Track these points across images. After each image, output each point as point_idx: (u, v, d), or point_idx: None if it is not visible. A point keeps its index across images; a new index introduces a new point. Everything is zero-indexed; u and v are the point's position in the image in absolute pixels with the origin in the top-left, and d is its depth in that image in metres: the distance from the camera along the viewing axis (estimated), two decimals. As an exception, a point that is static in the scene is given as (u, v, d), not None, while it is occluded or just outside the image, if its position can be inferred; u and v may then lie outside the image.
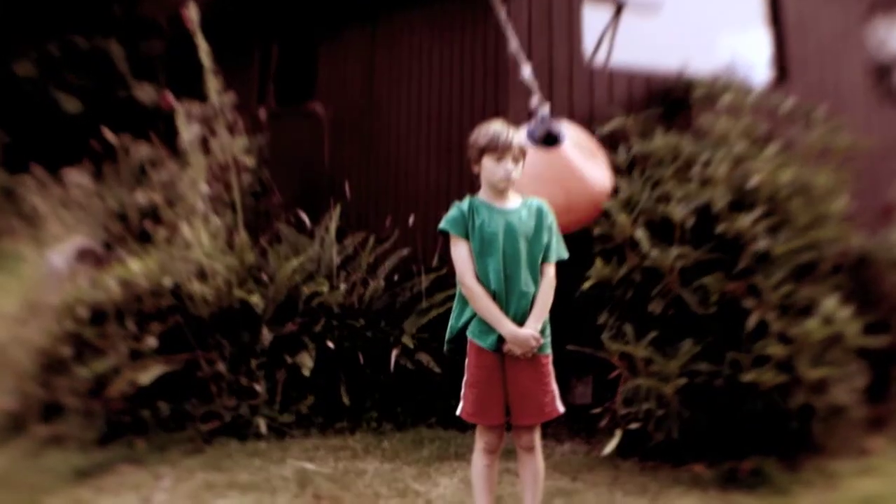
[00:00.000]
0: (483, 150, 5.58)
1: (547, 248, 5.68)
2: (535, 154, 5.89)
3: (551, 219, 5.75)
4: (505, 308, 5.54)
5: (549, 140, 6.29)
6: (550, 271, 5.69)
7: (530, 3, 9.14)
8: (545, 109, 5.99)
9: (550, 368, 5.71)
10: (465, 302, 5.68)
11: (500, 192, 5.65)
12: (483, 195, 5.68)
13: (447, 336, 5.84)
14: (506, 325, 5.48)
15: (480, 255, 5.57)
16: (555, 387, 5.71)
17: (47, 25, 20.80)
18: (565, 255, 5.78)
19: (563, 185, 6.05)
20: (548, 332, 5.69)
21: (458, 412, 5.76)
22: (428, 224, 9.51)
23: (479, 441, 5.78)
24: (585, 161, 6.45)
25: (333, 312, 8.83)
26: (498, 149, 5.54)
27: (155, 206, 10.03)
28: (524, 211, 5.68)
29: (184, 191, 9.65)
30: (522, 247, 5.58)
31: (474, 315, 5.62)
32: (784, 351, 7.09)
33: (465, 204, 5.64)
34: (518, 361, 5.58)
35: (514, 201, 5.70)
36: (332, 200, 10.08)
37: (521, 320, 5.55)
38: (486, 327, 5.56)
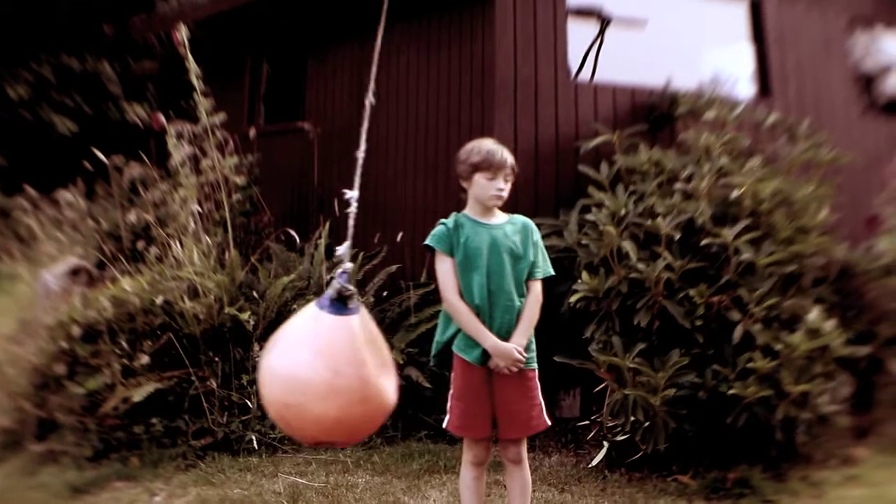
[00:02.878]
0: (476, 168, 5.64)
1: (533, 265, 5.73)
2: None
3: (537, 235, 5.81)
4: (489, 323, 5.59)
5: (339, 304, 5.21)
6: (537, 287, 5.75)
7: (515, 18, 9.23)
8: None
9: (537, 382, 5.75)
10: (449, 317, 5.74)
11: (488, 209, 5.71)
12: (469, 211, 5.74)
13: (433, 350, 5.92)
14: (488, 339, 5.54)
15: (465, 270, 5.63)
16: (541, 400, 5.76)
17: (39, 47, 20.83)
18: (551, 271, 5.83)
19: (330, 362, 5.01)
20: (533, 346, 5.72)
21: (444, 425, 5.83)
22: (416, 240, 9.56)
23: (467, 454, 5.83)
24: (372, 357, 5.11)
25: (323, 329, 8.87)
26: (492, 167, 5.61)
27: (147, 226, 10.06)
28: (509, 226, 5.74)
29: (175, 210, 9.69)
30: (507, 262, 5.64)
31: (459, 330, 5.68)
32: (769, 364, 7.16)
33: (450, 220, 5.71)
34: (505, 376, 5.62)
35: (499, 217, 5.76)
36: (322, 218, 10.14)
37: (505, 335, 5.59)
38: (472, 342, 5.61)
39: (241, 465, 7.93)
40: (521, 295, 5.68)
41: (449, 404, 5.79)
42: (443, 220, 5.73)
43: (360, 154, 5.72)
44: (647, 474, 7.58)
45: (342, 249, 5.21)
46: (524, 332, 5.62)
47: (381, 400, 4.95)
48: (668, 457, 7.48)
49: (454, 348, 5.72)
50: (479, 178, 5.64)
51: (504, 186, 5.66)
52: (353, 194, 5.48)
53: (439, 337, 5.85)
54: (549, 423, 5.88)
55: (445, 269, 5.65)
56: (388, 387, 4.99)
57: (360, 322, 5.09)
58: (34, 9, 20.77)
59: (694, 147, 8.67)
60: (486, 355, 5.60)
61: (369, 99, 5.93)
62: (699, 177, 8.13)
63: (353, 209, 5.46)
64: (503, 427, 5.74)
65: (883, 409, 8.39)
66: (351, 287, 5.02)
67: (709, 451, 7.50)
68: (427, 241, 5.72)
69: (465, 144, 5.82)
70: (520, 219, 5.82)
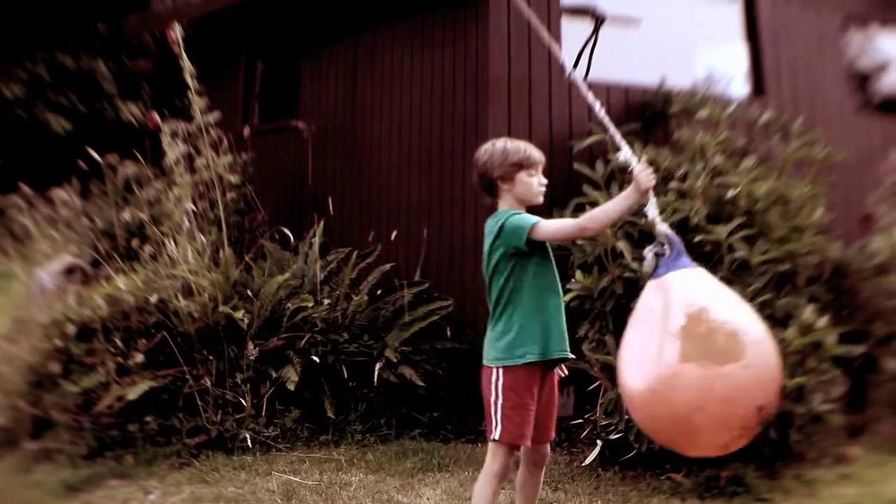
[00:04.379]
0: (520, 166, 5.53)
1: None
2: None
3: None
4: (553, 323, 5.49)
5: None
6: None
7: (509, 17, 9.23)
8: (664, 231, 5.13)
9: None
10: (507, 322, 5.51)
11: (531, 204, 5.61)
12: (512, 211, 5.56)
13: (496, 355, 5.56)
14: (628, 195, 5.27)
15: (539, 270, 5.52)
16: None
17: (34, 45, 20.84)
18: None
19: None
20: None
21: (496, 437, 5.50)
22: (410, 239, 9.59)
23: (498, 465, 5.53)
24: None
25: (317, 327, 8.90)
26: (534, 163, 5.56)
27: (141, 224, 10.06)
28: None
29: (169, 208, 9.70)
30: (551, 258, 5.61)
31: (506, 336, 5.48)
32: (762, 360, 7.16)
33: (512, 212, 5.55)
34: (550, 375, 5.60)
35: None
36: (316, 216, 10.14)
37: (560, 333, 5.54)
38: (522, 343, 5.43)
39: (236, 463, 7.94)
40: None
41: (499, 415, 5.46)
42: (512, 210, 5.53)
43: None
44: (641, 473, 7.58)
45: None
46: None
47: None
48: (662, 455, 7.46)
49: (506, 363, 5.47)
50: (524, 176, 5.54)
51: (545, 180, 5.64)
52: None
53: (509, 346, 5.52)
54: None
55: (552, 221, 5.50)
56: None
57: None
58: (28, 6, 20.78)
59: (688, 146, 8.67)
60: (545, 353, 5.48)
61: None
62: (694, 176, 8.14)
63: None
64: (547, 427, 5.69)
65: (876, 408, 8.40)
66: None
67: (702, 450, 7.50)
68: (527, 221, 5.40)
69: (482, 147, 5.70)
70: None
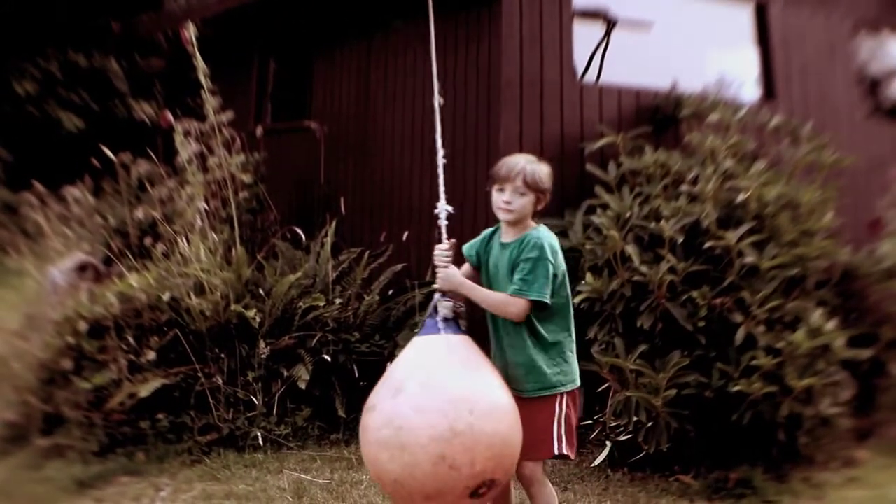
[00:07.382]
0: (490, 180, 5.39)
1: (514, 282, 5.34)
2: None
3: (532, 253, 5.28)
4: (505, 356, 5.40)
5: None
6: (515, 299, 5.30)
7: (522, 20, 9.25)
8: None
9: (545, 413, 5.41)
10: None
11: (507, 225, 5.42)
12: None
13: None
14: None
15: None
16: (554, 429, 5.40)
17: (47, 43, 20.87)
18: (531, 294, 5.26)
19: None
20: (543, 372, 5.38)
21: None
22: (421, 239, 9.60)
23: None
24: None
25: (329, 326, 8.93)
26: (498, 179, 5.33)
27: (154, 222, 10.11)
28: (514, 246, 5.39)
29: (182, 207, 9.74)
30: (503, 286, 5.38)
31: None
32: (771, 362, 7.19)
33: (488, 231, 5.58)
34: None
35: (514, 236, 5.42)
36: (328, 216, 10.16)
37: (505, 366, 5.38)
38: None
39: (247, 461, 7.98)
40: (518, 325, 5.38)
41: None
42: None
43: (441, 160, 5.59)
44: (650, 474, 7.62)
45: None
46: (470, 287, 5.41)
47: None
48: (671, 457, 7.51)
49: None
50: (492, 191, 5.37)
51: (511, 199, 5.30)
52: (443, 206, 5.48)
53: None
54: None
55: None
56: None
57: None
58: (40, 4, 20.82)
59: (699, 149, 8.69)
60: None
61: (437, 100, 5.75)
62: (705, 179, 8.15)
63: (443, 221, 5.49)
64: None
65: (884, 412, 8.43)
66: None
67: (711, 452, 7.53)
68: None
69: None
70: (532, 235, 5.36)
